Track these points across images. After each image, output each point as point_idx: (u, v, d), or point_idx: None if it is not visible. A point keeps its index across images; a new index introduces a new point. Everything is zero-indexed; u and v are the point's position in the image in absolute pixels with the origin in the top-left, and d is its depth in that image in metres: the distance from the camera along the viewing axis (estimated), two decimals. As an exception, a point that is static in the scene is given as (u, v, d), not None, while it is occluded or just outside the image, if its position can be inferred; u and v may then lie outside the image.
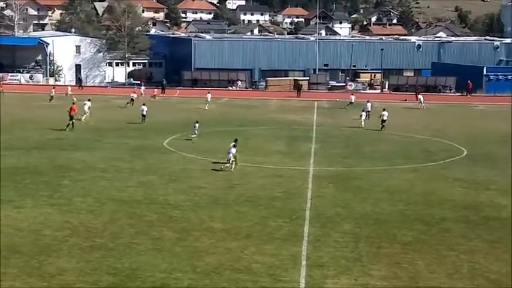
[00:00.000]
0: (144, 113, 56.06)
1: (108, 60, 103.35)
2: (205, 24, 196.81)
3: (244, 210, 29.50)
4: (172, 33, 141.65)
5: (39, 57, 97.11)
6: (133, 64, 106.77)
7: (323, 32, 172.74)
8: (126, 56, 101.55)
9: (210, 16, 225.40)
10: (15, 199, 30.25)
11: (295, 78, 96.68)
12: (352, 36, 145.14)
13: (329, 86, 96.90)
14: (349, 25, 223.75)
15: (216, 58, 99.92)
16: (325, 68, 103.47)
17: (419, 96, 75.10)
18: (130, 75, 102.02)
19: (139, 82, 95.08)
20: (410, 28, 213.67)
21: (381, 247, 24.86)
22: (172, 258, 23.05)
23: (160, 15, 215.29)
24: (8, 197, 30.56)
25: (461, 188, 35.04)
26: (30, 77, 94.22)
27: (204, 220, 27.75)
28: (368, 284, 21.36)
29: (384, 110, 56.91)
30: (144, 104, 57.85)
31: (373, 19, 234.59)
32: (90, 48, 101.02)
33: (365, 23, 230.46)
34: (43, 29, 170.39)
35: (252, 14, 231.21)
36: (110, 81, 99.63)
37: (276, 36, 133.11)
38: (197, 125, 48.48)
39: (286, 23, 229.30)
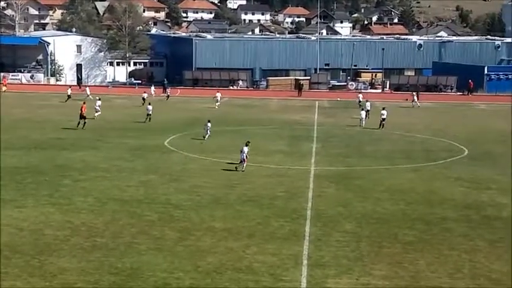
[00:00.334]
0: (150, 112, 56.26)
1: (109, 60, 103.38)
2: (206, 24, 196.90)
3: (245, 209, 29.50)
4: (173, 33, 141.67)
5: (40, 57, 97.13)
6: (134, 64, 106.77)
7: (324, 32, 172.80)
8: (127, 55, 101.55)
9: (211, 16, 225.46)
10: (17, 199, 30.27)
11: (296, 77, 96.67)
12: (353, 36, 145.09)
13: (330, 86, 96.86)
14: (350, 24, 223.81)
15: (217, 58, 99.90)
16: (326, 67, 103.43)
17: (414, 94, 75.14)
18: (131, 74, 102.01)
19: (140, 82, 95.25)
20: (412, 27, 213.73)
21: (382, 246, 24.86)
22: (174, 257, 23.05)
23: (161, 15, 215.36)
24: (9, 196, 30.59)
25: (463, 187, 35.03)
26: (31, 77, 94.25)
27: (205, 220, 27.75)
28: (369, 283, 21.35)
29: (384, 109, 57.18)
30: (149, 104, 58.34)
31: (374, 18, 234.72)
32: (91, 47, 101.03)
33: (366, 22, 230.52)
34: (44, 29, 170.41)
35: (253, 14, 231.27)
36: (111, 80, 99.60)
37: (277, 35, 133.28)
38: (209, 124, 48.39)
39: (287, 22, 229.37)
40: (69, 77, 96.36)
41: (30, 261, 22.38)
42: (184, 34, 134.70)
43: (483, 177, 37.43)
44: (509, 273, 22.47)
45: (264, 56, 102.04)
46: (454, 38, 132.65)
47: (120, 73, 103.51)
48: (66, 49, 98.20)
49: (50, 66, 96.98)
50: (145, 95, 68.69)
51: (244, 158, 37.40)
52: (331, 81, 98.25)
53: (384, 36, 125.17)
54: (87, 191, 32.05)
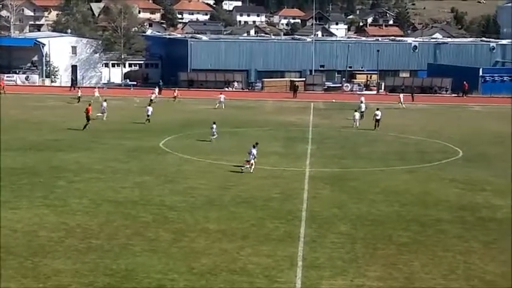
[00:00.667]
0: (149, 113, 56.46)
1: (104, 61, 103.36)
2: (202, 25, 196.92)
3: (240, 211, 29.50)
4: (169, 34, 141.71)
5: (35, 58, 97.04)
6: (130, 65, 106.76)
7: (319, 33, 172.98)
8: (123, 56, 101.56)
9: (207, 17, 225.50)
10: (11, 200, 30.21)
11: (292, 79, 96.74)
12: (348, 37, 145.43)
13: (325, 87, 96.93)
14: (346, 26, 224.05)
15: (212, 59, 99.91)
16: (322, 69, 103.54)
17: (400, 95, 75.31)
18: (126, 76, 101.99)
19: (135, 83, 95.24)
20: (407, 29, 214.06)
21: (376, 248, 24.88)
22: (168, 259, 23.04)
23: (157, 16, 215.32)
24: (3, 197, 30.54)
25: (457, 188, 35.08)
26: (26, 78, 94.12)
27: (199, 221, 27.75)
28: (364, 284, 21.37)
29: (378, 109, 57.45)
30: (149, 105, 58.48)
31: (369, 20, 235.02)
32: (87, 49, 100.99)
33: (361, 24, 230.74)
34: (39, 30, 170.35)
35: (248, 15, 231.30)
36: (106, 82, 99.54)
37: (272, 37, 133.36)
38: (214, 126, 48.41)
39: (282, 24, 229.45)
40: (64, 78, 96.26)
41: (24, 262, 22.34)
42: (179, 35, 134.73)
43: (478, 179, 37.49)
44: (504, 274, 22.52)
45: (259, 57, 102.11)
46: (449, 39, 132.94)
47: (116, 74, 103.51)
48: (61, 50, 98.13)
49: (45, 68, 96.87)
50: (153, 96, 69.21)
51: (252, 159, 37.35)
52: (326, 83, 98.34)
53: (379, 38, 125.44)
54: (82, 193, 32.01)
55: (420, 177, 37.73)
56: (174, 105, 69.41)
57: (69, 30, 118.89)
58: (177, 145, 46.24)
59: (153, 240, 25.08)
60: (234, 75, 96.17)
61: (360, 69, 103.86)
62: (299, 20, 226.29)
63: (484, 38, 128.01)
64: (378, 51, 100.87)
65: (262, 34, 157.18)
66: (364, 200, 32.09)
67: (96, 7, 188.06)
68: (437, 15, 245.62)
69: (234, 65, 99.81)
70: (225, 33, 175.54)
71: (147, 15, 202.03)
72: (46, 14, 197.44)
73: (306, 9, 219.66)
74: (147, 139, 48.36)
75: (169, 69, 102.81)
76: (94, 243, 24.61)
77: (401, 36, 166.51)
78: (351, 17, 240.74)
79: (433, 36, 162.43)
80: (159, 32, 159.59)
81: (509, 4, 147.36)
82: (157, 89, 77.52)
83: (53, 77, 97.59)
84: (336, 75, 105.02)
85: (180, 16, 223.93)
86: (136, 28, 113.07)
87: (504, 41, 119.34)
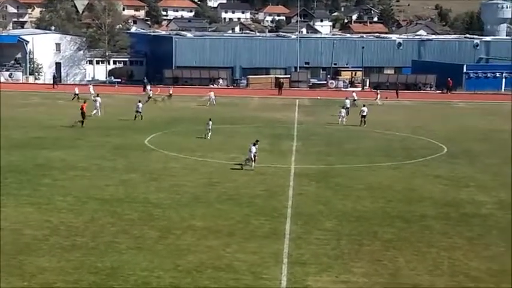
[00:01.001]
0: (140, 109, 56.32)
1: (88, 58, 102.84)
2: (186, 22, 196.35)
3: (225, 208, 29.52)
4: (153, 31, 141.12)
5: (19, 55, 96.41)
6: (114, 62, 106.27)
7: (304, 30, 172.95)
8: (107, 54, 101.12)
9: (191, 14, 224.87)
10: (-5, 198, 30.06)
11: (277, 76, 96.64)
12: (333, 34, 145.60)
13: (310, 84, 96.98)
14: (330, 23, 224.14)
15: (197, 56, 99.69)
16: (306, 66, 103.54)
17: (378, 91, 75.61)
18: (111, 73, 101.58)
19: (120, 80, 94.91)
20: (391, 26, 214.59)
21: (362, 244, 24.99)
22: (154, 256, 23.03)
23: (141, 13, 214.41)
24: (-13, 196, 30.38)
25: (442, 185, 35.27)
26: (10, 75, 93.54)
27: (185, 218, 27.75)
28: (349, 280, 21.47)
29: (364, 106, 57.78)
30: (139, 101, 58.11)
31: (354, 17, 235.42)
32: (70, 46, 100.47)
33: (346, 21, 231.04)
34: (22, 27, 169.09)
35: (233, 12, 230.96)
36: (90, 79, 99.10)
37: (257, 34, 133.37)
38: (210, 122, 48.40)
39: (267, 21, 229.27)
40: (48, 75, 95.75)
41: (9, 261, 22.26)
42: (164, 32, 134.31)
43: (462, 175, 37.72)
44: (488, 270, 22.69)
45: (244, 54, 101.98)
46: (433, 36, 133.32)
47: (100, 72, 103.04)
48: (45, 47, 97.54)
49: (28, 65, 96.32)
50: (151, 93, 69.35)
51: (252, 157, 37.33)
52: (311, 80, 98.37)
53: (364, 35, 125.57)
54: (67, 190, 31.91)
55: (405, 174, 37.90)
56: (156, 103, 69.08)
57: (52, 27, 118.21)
58: (163, 142, 46.16)
59: (139, 238, 25.05)
60: (219, 72, 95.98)
61: (345, 66, 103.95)
62: (284, 17, 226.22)
63: (468, 35, 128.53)
64: (363, 48, 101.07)
65: (247, 31, 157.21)
66: (349, 196, 32.20)
67: (80, 4, 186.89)
68: (421, 12, 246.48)
69: (219, 62, 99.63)
70: (209, 30, 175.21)
71: (132, 12, 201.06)
72: (29, 11, 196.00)
73: (291, 6, 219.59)
74: (132, 136, 48.24)
75: (154, 67, 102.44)
76: (79, 241, 24.55)
77: (386, 33, 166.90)
78: (335, 14, 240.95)
79: (418, 33, 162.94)
80: (143, 29, 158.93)
81: (493, 1, 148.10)
82: (148, 87, 77.24)
83: (36, 74, 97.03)
84: (321, 72, 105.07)
85: (164, 13, 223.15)
86: (120, 25, 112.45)
87: (488, 38, 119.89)
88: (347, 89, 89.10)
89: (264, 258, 23.16)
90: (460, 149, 46.60)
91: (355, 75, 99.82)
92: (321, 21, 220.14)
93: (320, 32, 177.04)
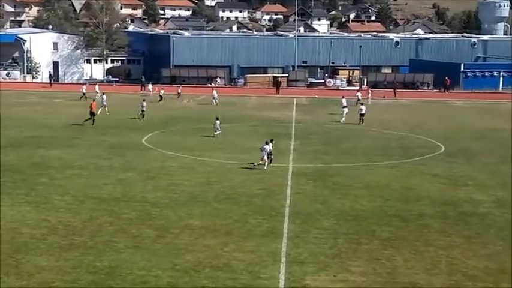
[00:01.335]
0: (144, 108, 56.43)
1: (86, 57, 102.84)
2: (184, 21, 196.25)
3: (223, 207, 29.50)
4: (151, 30, 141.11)
5: (16, 54, 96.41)
6: (112, 61, 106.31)
7: (302, 29, 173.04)
8: (104, 53, 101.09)
9: (189, 13, 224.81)
10: (-7, 197, 30.01)
11: (274, 75, 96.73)
12: (331, 33, 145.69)
13: (308, 83, 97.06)
14: (328, 22, 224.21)
15: (195, 55, 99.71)
16: (304, 64, 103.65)
17: (369, 90, 75.78)
18: (108, 72, 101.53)
19: (117, 79, 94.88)
20: (389, 25, 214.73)
21: (359, 243, 24.98)
22: (152, 255, 23.00)
23: (139, 12, 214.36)
24: (-15, 195, 30.32)
25: (439, 184, 35.27)
26: (7, 74, 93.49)
27: (183, 217, 27.71)
28: (347, 279, 21.45)
29: (362, 104, 58.10)
30: (144, 100, 58.30)
31: (352, 16, 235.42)
32: (68, 45, 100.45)
33: (343, 20, 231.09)
34: (20, 26, 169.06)
35: (231, 11, 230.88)
36: (88, 78, 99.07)
37: (255, 33, 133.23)
38: (218, 122, 48.43)
39: (264, 19, 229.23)
40: (45, 74, 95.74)
41: (6, 260, 22.20)
42: (161, 31, 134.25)
43: (460, 174, 37.72)
44: (486, 269, 22.69)
45: (241, 53, 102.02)
46: (431, 35, 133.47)
47: (97, 70, 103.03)
48: (42, 46, 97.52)
49: (26, 64, 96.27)
50: (162, 92, 69.46)
51: (265, 156, 37.30)
52: (308, 79, 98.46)
53: (361, 34, 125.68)
54: (64, 189, 31.86)
55: (403, 173, 37.90)
56: (154, 102, 68.96)
57: (50, 26, 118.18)
58: (160, 141, 46.13)
59: (137, 237, 25.02)
60: (217, 71, 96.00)
61: (343, 65, 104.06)
62: (281, 16, 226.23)
63: (465, 34, 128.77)
64: (360, 47, 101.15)
65: (245, 30, 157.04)
66: (347, 195, 32.18)
67: (78, 3, 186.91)
68: (419, 11, 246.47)
69: (217, 61, 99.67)
70: (207, 29, 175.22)
71: (129, 11, 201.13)
72: (27, 10, 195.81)
73: (288, 5, 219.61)
74: (129, 135, 48.21)
75: (152, 65, 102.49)
76: (77, 240, 24.51)
77: (384, 32, 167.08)
78: (333, 12, 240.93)
79: (415, 32, 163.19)
80: (141, 27, 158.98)
81: (490, 0, 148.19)
82: (150, 85, 77.27)
83: (34, 73, 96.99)
84: (319, 71, 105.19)
85: (162, 12, 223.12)
86: (118, 24, 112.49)
87: (485, 37, 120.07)
88: (350, 89, 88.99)
89: (261, 257, 23.14)
90: (458, 147, 46.61)
91: (352, 74, 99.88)
92: (319, 20, 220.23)
93: (318, 31, 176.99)
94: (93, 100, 56.27)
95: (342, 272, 22.01)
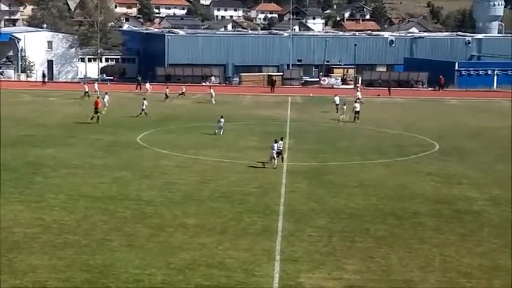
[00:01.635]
0: (144, 107, 56.73)
1: (80, 56, 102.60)
2: (179, 20, 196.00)
3: (218, 205, 29.49)
4: (146, 29, 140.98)
5: (11, 53, 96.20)
6: (106, 60, 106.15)
7: (296, 28, 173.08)
8: (99, 51, 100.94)
9: (184, 12, 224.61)
10: (-13, 196, 29.93)
11: (269, 73, 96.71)
12: (326, 32, 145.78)
13: (303, 82, 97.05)
14: (323, 21, 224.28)
15: (190, 54, 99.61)
16: (299, 63, 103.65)
17: (358, 89, 75.98)
18: (103, 70, 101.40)
19: (112, 78, 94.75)
20: (383, 24, 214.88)
21: (354, 241, 25.01)
22: (146, 254, 22.99)
23: (133, 11, 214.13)
24: (-21, 194, 30.25)
25: (434, 182, 35.32)
26: (1, 73, 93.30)
27: (177, 216, 27.70)
28: (341, 277, 21.47)
29: (356, 102, 58.43)
30: (144, 99, 58.61)
31: (346, 15, 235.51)
32: (62, 43, 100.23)
33: (338, 18, 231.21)
34: (14, 25, 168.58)
35: (226, 10, 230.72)
36: (82, 77, 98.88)
37: (250, 31, 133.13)
38: (222, 120, 48.61)
39: (259, 18, 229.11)
40: (40, 73, 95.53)
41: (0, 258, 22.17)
42: (156, 30, 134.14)
43: (454, 172, 37.79)
44: (480, 266, 22.75)
45: (236, 52, 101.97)
46: (425, 34, 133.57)
47: (92, 69, 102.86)
48: (37, 45, 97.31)
49: (20, 63, 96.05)
50: (167, 91, 69.79)
51: (275, 155, 37.33)
52: (303, 77, 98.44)
53: (356, 33, 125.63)
54: (59, 188, 31.82)
55: (397, 171, 37.95)
56: (149, 101, 68.91)
57: (44, 25, 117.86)
58: (155, 140, 46.08)
59: (131, 236, 25.00)
60: (212, 70, 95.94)
61: (337, 63, 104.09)
62: (276, 15, 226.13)
63: (459, 33, 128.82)
64: (355, 45, 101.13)
65: (240, 29, 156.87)
66: (341, 193, 32.22)
67: (72, 2, 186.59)
68: (413, 9, 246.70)
69: (212, 59, 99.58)
70: (202, 27, 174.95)
71: (124, 9, 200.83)
72: (21, 8, 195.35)
73: (283, 4, 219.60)
74: (124, 134, 48.16)
75: (147, 64, 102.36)
76: (71, 238, 24.48)
77: (378, 30, 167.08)
78: (328, 11, 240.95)
79: (410, 30, 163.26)
80: (135, 26, 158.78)
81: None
82: (148, 84, 77.22)
83: (28, 72, 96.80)
84: (314, 69, 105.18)
85: (157, 11, 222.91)
86: (112, 23, 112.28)
87: (480, 35, 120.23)
88: (345, 87, 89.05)
89: (256, 255, 23.15)
90: (452, 146, 46.68)
91: (347, 72, 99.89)
92: (314, 18, 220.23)
93: (312, 30, 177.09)
94: (98, 97, 56.71)
95: (336, 270, 22.03)
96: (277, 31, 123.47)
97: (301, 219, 27.61)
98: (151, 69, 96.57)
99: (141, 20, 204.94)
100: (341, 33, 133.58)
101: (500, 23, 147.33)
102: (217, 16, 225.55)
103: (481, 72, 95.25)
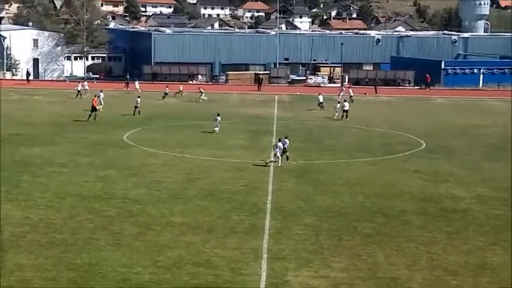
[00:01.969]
0: (138, 105, 57.02)
1: (66, 54, 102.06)
2: (165, 18, 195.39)
3: (205, 204, 29.45)
4: (132, 27, 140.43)
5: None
6: (92, 58, 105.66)
7: (283, 26, 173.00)
8: (85, 50, 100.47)
9: (170, 10, 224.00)
10: (-28, 195, 29.74)
11: (256, 72, 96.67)
12: (313, 31, 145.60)
13: (289, 80, 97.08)
14: (310, 19, 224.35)
15: (176, 52, 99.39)
16: (286, 62, 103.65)
17: (343, 88, 76.16)
18: (89, 69, 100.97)
19: (98, 76, 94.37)
20: (370, 22, 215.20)
21: (341, 239, 25.04)
22: (133, 252, 22.92)
23: (120, 9, 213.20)
24: (-36, 193, 30.04)
25: (421, 180, 35.43)
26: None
27: (164, 214, 27.64)
28: (328, 275, 21.49)
29: (345, 101, 59.16)
30: (138, 97, 58.77)
31: (333, 13, 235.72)
32: (48, 42, 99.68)
33: (325, 17, 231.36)
34: (0, 23, 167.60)
35: (213, 8, 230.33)
36: (68, 75, 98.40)
37: (237, 30, 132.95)
38: (219, 118, 48.76)
39: (246, 17, 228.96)
40: (25, 71, 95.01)
41: (-14, 258, 22.05)
42: (143, 28, 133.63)
43: (441, 170, 37.91)
44: (466, 264, 22.83)
45: (223, 50, 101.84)
46: (412, 32, 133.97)
47: (78, 67, 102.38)
48: (22, 43, 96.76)
49: (6, 61, 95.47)
50: (167, 90, 69.93)
51: (279, 153, 37.35)
52: (290, 76, 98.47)
53: (343, 31, 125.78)
54: (45, 187, 31.67)
55: (384, 169, 38.03)
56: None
57: (30, 23, 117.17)
58: (142, 138, 45.95)
59: (118, 234, 24.92)
60: (198, 68, 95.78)
61: (324, 62, 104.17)
62: (263, 14, 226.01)
63: (446, 31, 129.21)
64: (342, 44, 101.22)
65: (227, 27, 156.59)
66: (328, 191, 32.25)
67: (58, 0, 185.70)
68: (400, 8, 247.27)
69: (198, 58, 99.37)
70: (189, 26, 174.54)
71: (110, 8, 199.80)
72: (7, 6, 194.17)
73: (270, 3, 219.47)
74: (110, 132, 47.99)
75: (133, 62, 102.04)
76: (57, 237, 24.37)
77: (365, 29, 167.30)
78: (314, 10, 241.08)
79: (396, 29, 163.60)
80: (122, 25, 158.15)
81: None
82: (137, 82, 76.96)
83: (14, 70, 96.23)
84: (300, 68, 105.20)
85: (143, 9, 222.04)
86: (99, 21, 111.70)
87: (466, 34, 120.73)
88: (332, 86, 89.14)
89: (243, 253, 23.13)
90: (439, 144, 46.83)
91: (334, 71, 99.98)
92: (300, 17, 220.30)
93: (299, 28, 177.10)
94: (95, 96, 56.95)
95: (324, 268, 22.06)
96: (264, 30, 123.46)
97: (289, 218, 27.62)
98: (137, 67, 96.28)
99: (127, 18, 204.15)
100: (328, 32, 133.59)
101: (486, 21, 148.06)
102: (204, 14, 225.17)
103: (467, 70, 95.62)
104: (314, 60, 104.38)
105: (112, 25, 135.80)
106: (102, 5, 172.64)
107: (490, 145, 46.85)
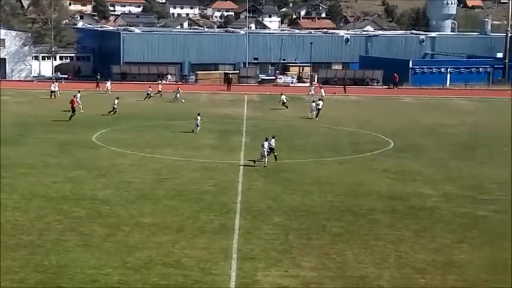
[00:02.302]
0: (115, 106, 56.74)
1: (34, 54, 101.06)
2: (134, 18, 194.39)
3: (174, 204, 29.41)
4: (101, 27, 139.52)
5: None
6: (61, 58, 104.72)
7: (253, 26, 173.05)
8: (53, 49, 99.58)
9: (139, 9, 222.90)
10: None
11: (225, 71, 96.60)
12: (282, 30, 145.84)
13: (259, 80, 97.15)
14: (279, 19, 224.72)
15: (146, 52, 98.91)
16: (255, 61, 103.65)
17: (310, 87, 76.56)
18: (57, 69, 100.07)
19: (66, 76, 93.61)
20: (339, 22, 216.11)
21: (310, 238, 25.17)
22: (102, 254, 22.82)
23: (88, 8, 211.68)
24: None
25: (389, 179, 35.72)
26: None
27: (133, 215, 27.55)
28: (298, 275, 21.59)
29: (319, 100, 59.47)
30: (117, 98, 58.48)
31: (302, 13, 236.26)
32: (16, 41, 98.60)
33: (294, 16, 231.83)
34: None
35: (182, 8, 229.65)
36: (36, 75, 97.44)
37: (206, 29, 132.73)
38: (199, 118, 48.86)
39: (216, 16, 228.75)
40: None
41: (-47, 260, 21.80)
42: (111, 28, 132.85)
43: (408, 169, 38.25)
44: (434, 262, 23.08)
45: (192, 50, 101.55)
46: (380, 32, 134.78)
47: (46, 67, 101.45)
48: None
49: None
50: (149, 90, 69.64)
51: (265, 153, 37.33)
52: (260, 75, 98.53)
53: (312, 31, 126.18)
54: (12, 188, 31.37)
55: (353, 168, 38.27)
56: (103, 100, 68.31)
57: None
58: (111, 139, 45.71)
59: (86, 235, 24.79)
60: (168, 68, 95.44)
61: (294, 61, 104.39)
62: (232, 13, 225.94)
63: (413, 31, 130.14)
64: (311, 43, 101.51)
65: (196, 27, 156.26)
66: (298, 191, 32.38)
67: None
68: (368, 8, 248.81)
69: (168, 57, 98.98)
70: (158, 25, 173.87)
71: (78, 7, 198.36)
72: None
73: (239, 2, 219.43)
74: (79, 133, 47.67)
75: (102, 62, 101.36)
76: (24, 239, 24.17)
77: (334, 28, 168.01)
78: (284, 9, 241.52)
79: (365, 28, 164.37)
80: (90, 24, 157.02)
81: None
82: (108, 83, 76.43)
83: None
84: (270, 67, 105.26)
85: (112, 8, 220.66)
86: (67, 20, 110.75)
87: (433, 34, 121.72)
88: (302, 85, 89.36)
89: (213, 253, 23.15)
90: (407, 143, 47.22)
91: (303, 70, 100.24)
92: (270, 16, 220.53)
93: (269, 28, 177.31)
94: (74, 96, 56.41)
95: (293, 268, 22.16)
96: (233, 29, 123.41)
97: (258, 217, 27.70)
98: (106, 67, 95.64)
99: (96, 17, 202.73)
100: (297, 31, 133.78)
101: (453, 21, 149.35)
102: (173, 14, 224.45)
103: (434, 70, 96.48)
104: (283, 59, 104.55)
105: (80, 24, 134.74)
106: (70, 4, 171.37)
107: (457, 144, 47.39)
